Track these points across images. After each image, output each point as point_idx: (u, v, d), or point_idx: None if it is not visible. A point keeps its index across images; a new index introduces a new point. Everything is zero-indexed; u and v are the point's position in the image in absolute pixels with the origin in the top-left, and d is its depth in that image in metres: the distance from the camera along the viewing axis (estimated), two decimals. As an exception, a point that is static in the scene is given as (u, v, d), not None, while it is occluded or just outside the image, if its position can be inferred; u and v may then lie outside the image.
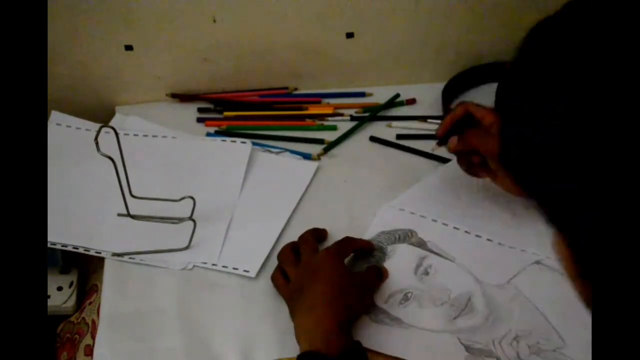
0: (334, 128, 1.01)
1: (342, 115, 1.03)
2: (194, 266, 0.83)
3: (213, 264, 0.83)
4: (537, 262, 0.83)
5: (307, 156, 0.97)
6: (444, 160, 0.95)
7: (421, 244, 0.85)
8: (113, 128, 0.79)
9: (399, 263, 0.82)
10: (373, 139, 1.00)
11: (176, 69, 1.02)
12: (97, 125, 0.79)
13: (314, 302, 0.73)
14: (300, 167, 0.95)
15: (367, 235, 0.86)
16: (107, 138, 0.77)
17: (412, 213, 0.88)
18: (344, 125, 1.01)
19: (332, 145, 0.98)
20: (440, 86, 1.04)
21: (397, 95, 1.06)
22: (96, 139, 0.72)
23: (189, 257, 0.84)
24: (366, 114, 1.03)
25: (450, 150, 0.85)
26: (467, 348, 0.75)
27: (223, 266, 0.83)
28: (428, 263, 0.82)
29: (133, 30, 0.96)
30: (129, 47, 0.98)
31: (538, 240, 0.83)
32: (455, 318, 0.77)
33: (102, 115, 1.01)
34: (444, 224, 0.87)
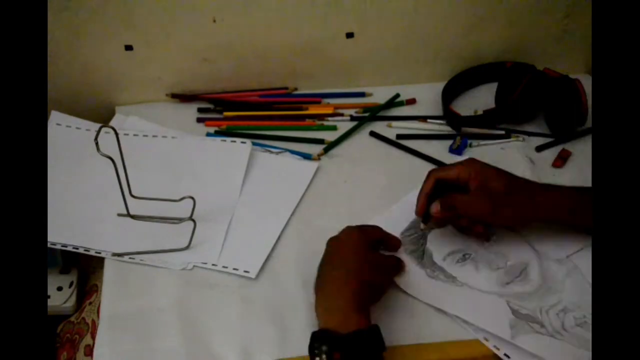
0: (334, 128, 1.01)
1: (342, 115, 1.03)
2: (194, 266, 0.83)
3: (213, 264, 0.83)
4: None
5: (307, 156, 0.97)
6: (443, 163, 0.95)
7: None
8: (113, 128, 0.79)
9: None
10: (373, 133, 1.00)
11: (176, 69, 1.02)
12: (97, 125, 0.79)
13: (333, 275, 0.72)
14: (300, 167, 0.95)
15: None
16: (107, 138, 0.77)
17: None
18: (344, 125, 1.01)
19: (332, 145, 0.98)
20: (440, 86, 1.05)
21: (397, 95, 1.06)
22: (96, 139, 0.72)
23: (189, 257, 0.84)
24: (366, 114, 1.03)
25: (435, 219, 0.80)
26: (514, 311, 0.77)
27: (223, 266, 0.83)
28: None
29: (133, 30, 0.96)
30: (129, 47, 0.98)
31: None
32: (507, 283, 0.79)
33: (102, 115, 1.02)
34: None
